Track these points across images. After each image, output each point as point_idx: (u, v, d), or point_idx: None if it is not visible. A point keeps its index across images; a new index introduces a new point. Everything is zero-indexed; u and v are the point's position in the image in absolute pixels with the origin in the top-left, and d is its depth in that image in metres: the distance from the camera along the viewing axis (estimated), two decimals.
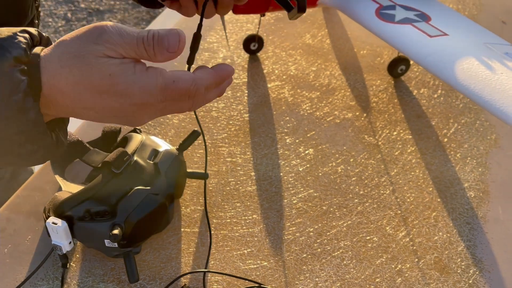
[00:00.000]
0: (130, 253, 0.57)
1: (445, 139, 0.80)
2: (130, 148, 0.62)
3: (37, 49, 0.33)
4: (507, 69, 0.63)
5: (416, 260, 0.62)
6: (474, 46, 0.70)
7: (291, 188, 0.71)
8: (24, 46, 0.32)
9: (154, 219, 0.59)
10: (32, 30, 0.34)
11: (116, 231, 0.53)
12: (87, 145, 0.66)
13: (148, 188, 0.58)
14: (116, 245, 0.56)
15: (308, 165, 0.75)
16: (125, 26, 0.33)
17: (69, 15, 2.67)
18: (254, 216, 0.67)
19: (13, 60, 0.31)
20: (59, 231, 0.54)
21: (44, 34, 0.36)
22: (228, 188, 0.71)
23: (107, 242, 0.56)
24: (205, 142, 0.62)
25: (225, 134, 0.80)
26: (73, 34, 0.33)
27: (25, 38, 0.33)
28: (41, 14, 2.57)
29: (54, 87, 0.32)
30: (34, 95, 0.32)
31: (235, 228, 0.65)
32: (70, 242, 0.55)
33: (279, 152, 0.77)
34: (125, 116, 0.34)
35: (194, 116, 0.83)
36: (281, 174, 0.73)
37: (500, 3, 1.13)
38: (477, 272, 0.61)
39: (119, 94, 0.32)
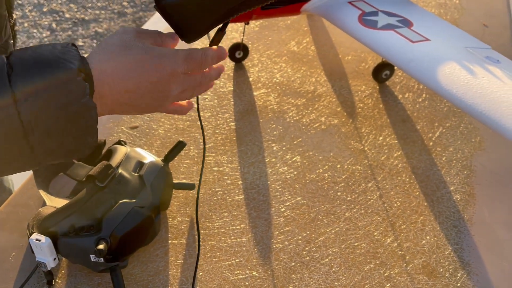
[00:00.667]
0: (116, 268, 0.56)
1: (431, 143, 0.80)
2: (115, 160, 0.61)
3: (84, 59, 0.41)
4: (488, 73, 0.64)
5: (405, 265, 0.62)
6: (456, 50, 0.71)
7: (278, 196, 0.71)
8: (80, 57, 0.39)
9: (141, 232, 0.58)
10: (73, 43, 0.41)
11: (101, 246, 0.52)
12: None
13: (134, 201, 0.57)
14: (102, 260, 0.55)
15: (295, 173, 0.75)
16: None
17: (54, 25, 2.65)
18: (242, 225, 0.67)
19: (78, 70, 0.38)
20: (43, 247, 0.53)
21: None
22: (215, 198, 0.70)
23: (92, 257, 0.55)
24: (204, 147, 0.60)
25: (212, 143, 0.79)
26: (106, 39, 0.43)
27: (75, 50, 0.39)
28: (19, 29, 2.54)
29: (102, 83, 0.40)
30: (92, 97, 0.39)
31: (223, 238, 0.65)
32: (54, 259, 0.55)
33: (266, 160, 0.77)
34: (160, 90, 0.43)
35: (181, 126, 0.83)
36: (269, 182, 0.73)
37: (481, 6, 1.15)
38: (464, 275, 0.61)
39: (155, 64, 0.42)
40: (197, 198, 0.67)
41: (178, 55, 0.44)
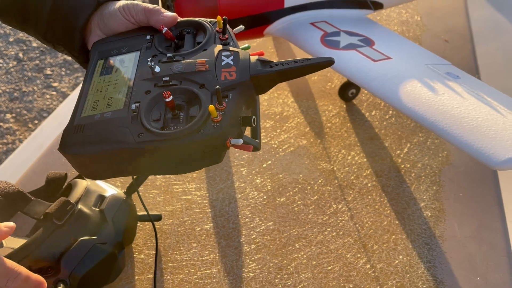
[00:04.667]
0: None
1: (399, 160, 0.80)
2: (74, 196, 0.59)
3: None
4: (449, 89, 0.65)
5: (378, 287, 0.61)
6: (417, 68, 0.71)
7: (249, 223, 0.69)
8: None
9: (103, 270, 0.56)
10: None
11: None
12: (29, 195, 0.62)
13: (94, 237, 0.55)
14: None
15: (265, 197, 0.73)
16: None
17: (20, 55, 2.61)
18: (211, 256, 0.64)
19: None
20: None
21: None
22: (183, 228, 0.68)
23: None
24: None
25: None
26: None
27: None
28: None
29: None
30: None
31: (192, 270, 0.63)
32: None
33: (235, 185, 0.75)
34: None
35: None
36: (238, 208, 0.71)
37: (442, 22, 1.18)
38: None
39: None
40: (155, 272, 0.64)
41: None
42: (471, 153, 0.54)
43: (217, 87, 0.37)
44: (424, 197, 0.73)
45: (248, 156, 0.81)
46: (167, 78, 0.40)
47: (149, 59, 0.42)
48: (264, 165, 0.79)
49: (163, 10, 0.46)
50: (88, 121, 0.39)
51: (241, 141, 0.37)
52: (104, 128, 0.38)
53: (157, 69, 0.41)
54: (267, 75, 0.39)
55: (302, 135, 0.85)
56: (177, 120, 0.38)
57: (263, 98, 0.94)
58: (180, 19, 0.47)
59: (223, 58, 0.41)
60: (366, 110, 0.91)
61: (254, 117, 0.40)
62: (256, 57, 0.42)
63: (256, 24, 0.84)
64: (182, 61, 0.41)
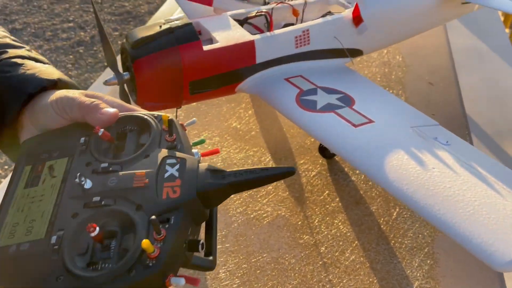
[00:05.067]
0: None
1: (388, 228, 0.73)
2: None
3: None
4: (439, 162, 0.58)
5: None
6: (402, 133, 0.65)
7: None
8: None
9: None
10: None
11: None
12: None
13: None
14: None
15: (239, 282, 0.65)
16: None
17: None
18: None
19: None
20: None
21: None
22: None
23: None
24: None
25: None
26: None
27: None
28: None
29: None
30: None
31: None
32: None
33: None
34: None
35: None
36: None
37: (424, 62, 1.13)
38: None
39: None
40: None
41: None
42: (470, 250, 0.46)
43: (152, 217, 0.30)
44: (418, 275, 0.66)
45: (221, 228, 0.73)
46: (97, 198, 0.33)
47: (78, 174, 0.34)
48: (239, 241, 0.71)
49: (102, 105, 0.38)
50: (1, 254, 0.32)
51: (183, 281, 0.30)
52: (19, 266, 0.30)
53: (88, 184, 0.35)
54: (217, 190, 0.33)
55: (281, 202, 0.77)
56: (107, 252, 0.31)
57: (238, 157, 0.87)
58: (122, 114, 0.39)
59: (167, 168, 0.35)
60: (350, 168, 0.84)
61: (202, 241, 0.34)
62: (206, 165, 0.35)
63: (225, 82, 0.77)
64: (119, 173, 0.35)
